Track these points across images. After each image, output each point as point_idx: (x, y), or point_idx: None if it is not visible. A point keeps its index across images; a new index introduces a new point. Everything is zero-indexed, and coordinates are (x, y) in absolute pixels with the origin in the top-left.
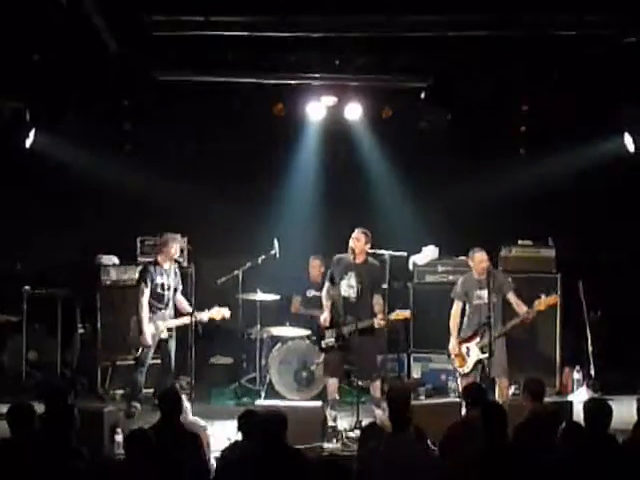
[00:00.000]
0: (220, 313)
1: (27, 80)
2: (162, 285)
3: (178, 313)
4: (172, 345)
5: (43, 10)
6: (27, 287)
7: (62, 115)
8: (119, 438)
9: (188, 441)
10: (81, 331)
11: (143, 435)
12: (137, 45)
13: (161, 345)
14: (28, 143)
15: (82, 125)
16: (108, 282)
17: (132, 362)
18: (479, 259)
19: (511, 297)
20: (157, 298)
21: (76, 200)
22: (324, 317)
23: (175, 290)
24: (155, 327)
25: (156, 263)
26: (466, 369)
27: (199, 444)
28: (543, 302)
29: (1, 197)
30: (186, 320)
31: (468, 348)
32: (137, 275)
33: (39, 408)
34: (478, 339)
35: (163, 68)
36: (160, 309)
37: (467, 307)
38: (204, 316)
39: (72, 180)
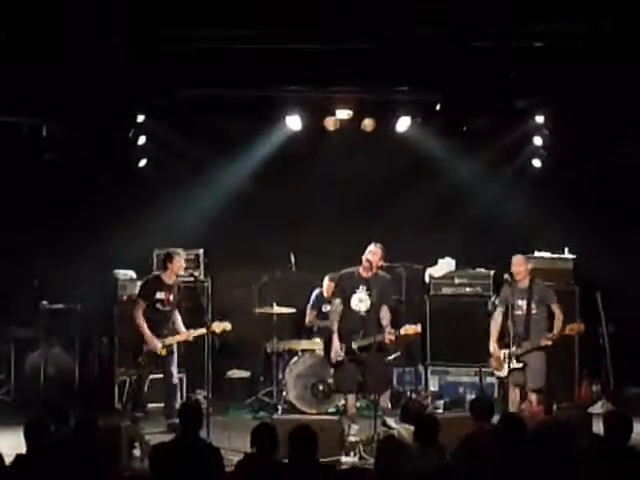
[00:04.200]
0: (220, 327)
1: (44, 96)
2: (162, 301)
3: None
4: (173, 360)
5: (59, 26)
6: (44, 302)
7: (78, 130)
8: (137, 452)
9: (210, 455)
10: (98, 345)
11: (166, 450)
12: (150, 59)
13: (160, 361)
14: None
15: (98, 140)
16: (125, 297)
17: (154, 376)
18: (516, 262)
19: (556, 309)
20: (155, 314)
21: (93, 215)
22: (335, 334)
23: (178, 306)
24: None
25: (159, 279)
26: (501, 374)
27: (221, 458)
28: (573, 328)
29: (18, 212)
30: (181, 338)
31: (505, 354)
32: (137, 289)
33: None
34: (514, 348)
35: (177, 82)
36: (157, 325)
37: (510, 314)
38: (201, 332)
39: (89, 195)
